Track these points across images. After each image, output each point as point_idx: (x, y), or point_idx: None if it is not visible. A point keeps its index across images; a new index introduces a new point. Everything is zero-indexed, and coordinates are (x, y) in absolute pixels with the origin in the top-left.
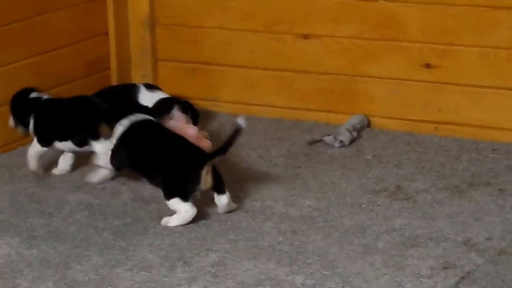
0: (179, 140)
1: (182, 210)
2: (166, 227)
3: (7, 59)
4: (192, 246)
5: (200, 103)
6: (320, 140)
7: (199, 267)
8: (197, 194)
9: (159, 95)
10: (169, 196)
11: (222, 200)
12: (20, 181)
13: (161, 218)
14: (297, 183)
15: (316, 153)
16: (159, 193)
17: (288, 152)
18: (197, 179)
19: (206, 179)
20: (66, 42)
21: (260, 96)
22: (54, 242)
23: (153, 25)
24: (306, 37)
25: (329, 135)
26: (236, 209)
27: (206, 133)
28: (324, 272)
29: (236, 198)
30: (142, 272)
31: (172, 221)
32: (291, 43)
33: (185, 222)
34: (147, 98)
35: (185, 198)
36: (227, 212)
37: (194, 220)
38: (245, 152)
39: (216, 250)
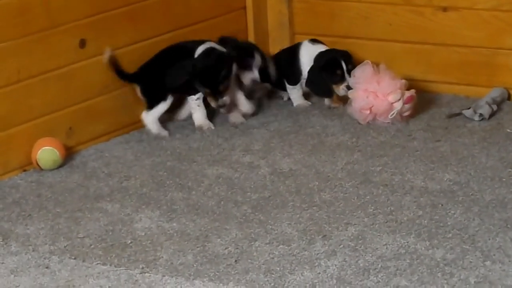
0: None
1: None
2: (305, 200)
3: (146, 34)
4: (331, 220)
5: None
6: (460, 114)
7: (338, 241)
8: None
9: (319, 48)
10: None
11: None
12: (160, 155)
13: (300, 192)
14: (436, 156)
15: (456, 127)
16: (298, 166)
17: (427, 125)
18: None
19: None
20: (203, 17)
21: (398, 69)
22: (193, 215)
23: None
24: (445, 9)
25: (469, 108)
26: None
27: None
28: (464, 246)
29: (374, 172)
30: (281, 246)
31: None
32: (430, 16)
33: None
34: (308, 51)
35: None
36: None
37: (333, 193)
38: (383, 126)
39: (355, 224)
